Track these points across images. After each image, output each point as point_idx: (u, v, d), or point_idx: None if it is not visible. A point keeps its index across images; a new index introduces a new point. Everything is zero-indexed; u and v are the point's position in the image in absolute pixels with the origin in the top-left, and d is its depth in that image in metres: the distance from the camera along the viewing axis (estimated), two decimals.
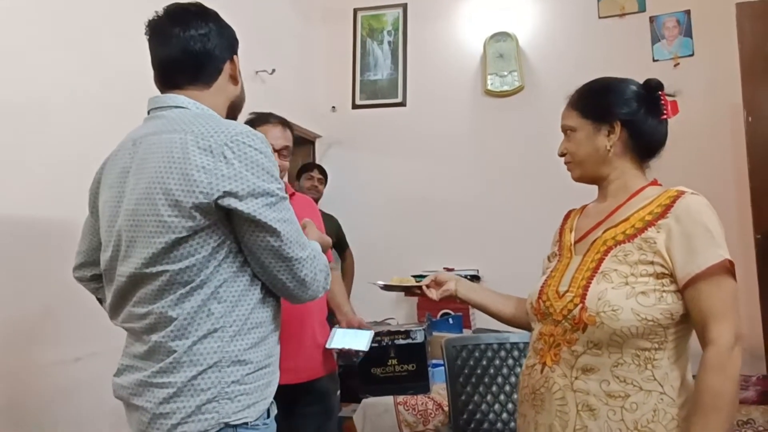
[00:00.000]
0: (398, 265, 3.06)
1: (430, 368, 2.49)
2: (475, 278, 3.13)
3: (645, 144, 1.21)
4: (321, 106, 3.58)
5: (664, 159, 3.14)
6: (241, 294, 1.08)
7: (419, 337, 2.46)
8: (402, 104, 3.52)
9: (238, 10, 2.65)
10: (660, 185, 1.22)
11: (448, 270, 3.15)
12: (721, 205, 2.92)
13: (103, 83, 1.84)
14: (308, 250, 1.10)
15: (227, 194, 1.00)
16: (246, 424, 1.05)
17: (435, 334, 2.73)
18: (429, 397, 2.41)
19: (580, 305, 1.09)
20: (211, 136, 1.03)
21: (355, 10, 3.62)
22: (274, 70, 2.87)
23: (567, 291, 1.14)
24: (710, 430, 0.98)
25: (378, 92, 3.56)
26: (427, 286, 1.42)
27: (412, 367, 2.45)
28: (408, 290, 1.48)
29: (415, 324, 2.67)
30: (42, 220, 1.60)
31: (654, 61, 3.21)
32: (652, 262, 1.07)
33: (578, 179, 1.26)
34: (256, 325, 1.10)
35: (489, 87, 3.34)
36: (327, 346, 1.80)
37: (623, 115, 1.18)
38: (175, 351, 1.03)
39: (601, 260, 1.12)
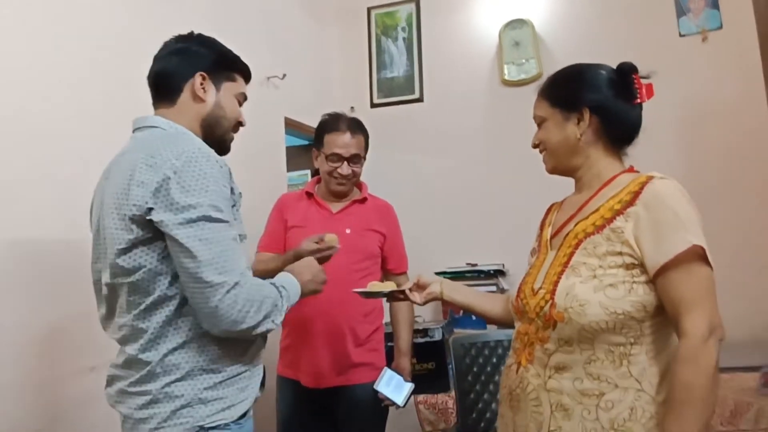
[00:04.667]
0: (421, 262, 3.01)
1: (450, 366, 2.47)
2: (500, 272, 3.06)
3: (618, 130, 1.15)
4: (339, 107, 3.54)
5: (696, 137, 2.98)
6: None
7: (437, 335, 2.45)
8: (419, 100, 3.48)
9: (249, 19, 2.69)
10: (636, 172, 1.15)
11: (472, 266, 3.10)
12: (758, 183, 2.76)
13: (113, 101, 1.87)
14: (228, 277, 1.02)
15: (154, 208, 1.02)
16: (219, 426, 1.09)
17: (457, 330, 2.69)
18: (449, 396, 2.38)
19: (550, 302, 1.05)
20: (160, 154, 1.05)
21: (369, 9, 3.60)
22: (285, 75, 2.88)
23: (540, 288, 1.10)
24: (684, 424, 0.93)
25: (395, 89, 3.53)
26: (410, 290, 1.39)
27: (432, 365, 2.44)
28: (390, 296, 1.45)
29: (433, 322, 2.64)
30: (57, 233, 1.66)
31: (681, 36, 3.05)
32: (620, 253, 1.02)
33: (552, 171, 1.22)
34: (227, 338, 1.11)
35: (506, 77, 3.25)
36: (374, 386, 1.82)
37: (591, 102, 1.13)
38: (148, 363, 1.07)
39: (571, 254, 1.08)
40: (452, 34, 3.42)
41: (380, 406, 1.86)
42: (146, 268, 1.06)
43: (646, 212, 1.02)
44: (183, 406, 1.07)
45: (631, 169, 1.16)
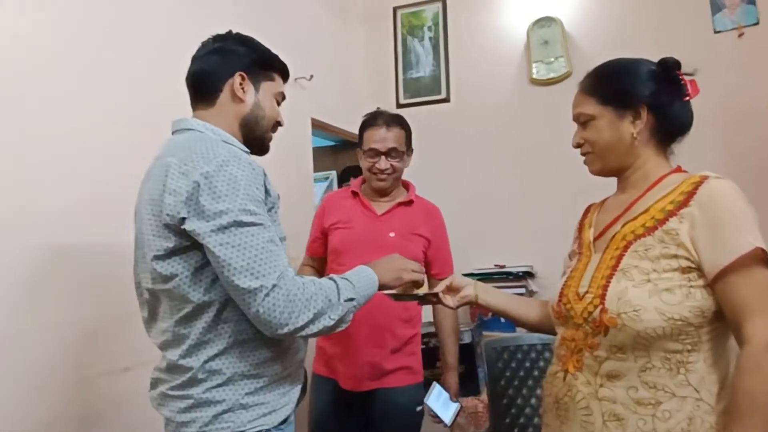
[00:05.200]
0: None
1: (480, 369, 2.43)
2: (528, 274, 3.02)
3: (673, 128, 1.10)
4: (365, 108, 3.54)
5: (733, 136, 2.87)
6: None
7: (466, 338, 2.42)
8: (446, 100, 3.44)
9: (275, 20, 2.69)
10: (684, 172, 1.10)
11: (500, 267, 3.06)
12: None
13: (145, 104, 1.88)
14: (264, 281, 0.99)
15: (187, 217, 1.01)
16: None
17: (486, 333, 2.66)
18: (479, 399, 2.35)
19: (600, 307, 1.00)
20: (192, 160, 1.03)
21: (395, 8, 3.58)
22: (312, 76, 2.88)
23: (587, 292, 1.05)
24: None
25: (421, 90, 3.51)
26: (443, 293, 1.34)
27: (461, 368, 2.39)
28: (422, 299, 1.39)
29: (463, 324, 2.60)
30: (90, 236, 1.67)
31: (716, 32, 2.97)
32: (675, 256, 0.97)
33: (598, 172, 1.16)
34: (268, 343, 1.11)
35: (534, 75, 3.20)
36: (425, 400, 1.81)
37: (648, 99, 1.08)
38: (190, 368, 1.06)
39: (620, 257, 1.03)
40: (479, 33, 3.39)
41: (416, 410, 1.84)
42: (183, 275, 1.04)
43: (701, 213, 0.97)
44: (224, 411, 1.06)
45: (678, 169, 1.11)
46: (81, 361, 1.64)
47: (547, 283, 3.05)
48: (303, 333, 1.03)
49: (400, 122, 1.92)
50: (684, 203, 1.00)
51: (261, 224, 1.03)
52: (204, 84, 1.18)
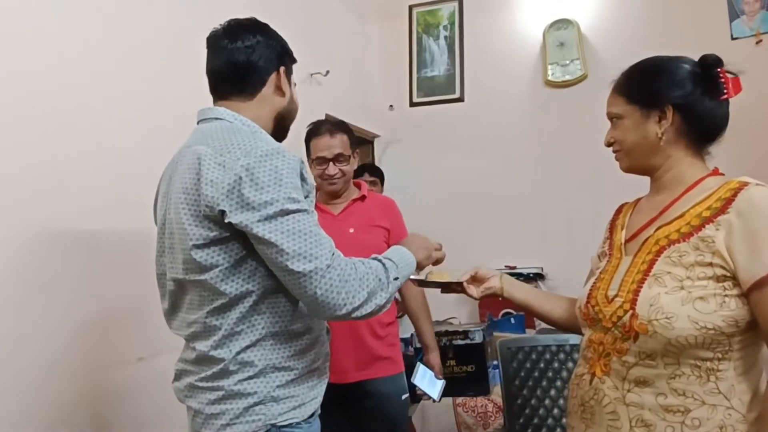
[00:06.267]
0: (458, 263, 2.98)
1: (489, 369, 2.44)
2: (539, 276, 3.03)
3: (702, 129, 1.08)
4: (378, 106, 3.58)
5: (750, 145, 2.86)
6: (283, 306, 1.08)
7: (477, 338, 2.43)
8: (460, 99, 3.45)
9: (293, 14, 2.69)
10: (722, 175, 1.09)
11: (511, 268, 3.07)
12: None
13: (160, 95, 1.88)
14: (318, 263, 0.99)
15: (227, 211, 1.00)
16: (291, 425, 1.08)
17: (496, 334, 2.66)
18: (489, 399, 2.36)
19: (631, 312, 1.00)
20: (229, 152, 1.03)
21: (410, 7, 3.59)
22: (328, 72, 2.88)
23: (616, 295, 1.05)
24: None
25: (435, 89, 3.51)
26: (467, 282, 1.31)
27: (471, 368, 2.42)
28: (446, 287, 1.35)
29: (474, 324, 2.61)
30: (103, 226, 1.67)
31: (733, 39, 2.97)
32: (710, 264, 0.96)
33: (627, 170, 1.15)
34: (298, 335, 1.11)
35: (549, 77, 3.21)
36: (412, 380, 1.89)
37: (675, 99, 1.06)
38: (222, 360, 1.06)
39: (653, 261, 1.02)
40: (495, 34, 3.39)
41: (401, 398, 1.89)
42: (222, 266, 1.04)
43: (740, 221, 0.96)
44: (256, 404, 1.06)
45: (716, 171, 1.10)
46: (95, 351, 1.64)
47: (557, 285, 3.06)
48: (358, 313, 1.04)
49: (343, 128, 1.98)
50: (722, 210, 0.99)
51: (306, 210, 1.04)
52: (247, 76, 1.18)
